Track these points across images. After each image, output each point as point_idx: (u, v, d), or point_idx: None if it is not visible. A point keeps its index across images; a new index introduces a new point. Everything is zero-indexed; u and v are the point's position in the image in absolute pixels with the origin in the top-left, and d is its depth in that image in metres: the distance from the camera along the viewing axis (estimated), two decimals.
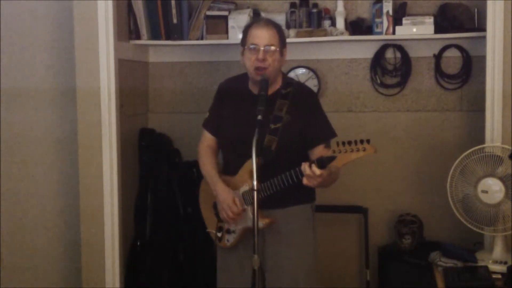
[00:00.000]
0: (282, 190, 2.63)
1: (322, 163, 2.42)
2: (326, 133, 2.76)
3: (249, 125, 2.51)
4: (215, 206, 2.90)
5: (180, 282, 3.76)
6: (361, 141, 2.38)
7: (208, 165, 2.87)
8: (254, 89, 2.76)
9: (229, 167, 2.85)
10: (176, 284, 3.75)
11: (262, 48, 2.67)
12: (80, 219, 3.52)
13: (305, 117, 2.74)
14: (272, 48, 2.68)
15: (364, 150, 2.38)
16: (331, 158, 2.41)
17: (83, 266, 3.55)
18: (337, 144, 2.41)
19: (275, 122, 2.69)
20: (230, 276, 2.90)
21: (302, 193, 2.79)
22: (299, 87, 2.87)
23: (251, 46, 2.69)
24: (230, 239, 2.86)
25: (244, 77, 2.85)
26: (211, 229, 2.93)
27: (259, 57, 2.66)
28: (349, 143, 2.39)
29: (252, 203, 2.36)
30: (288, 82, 2.84)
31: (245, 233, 2.80)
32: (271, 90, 2.74)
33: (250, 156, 2.46)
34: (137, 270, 3.71)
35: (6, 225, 3.82)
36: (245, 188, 2.74)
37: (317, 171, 2.40)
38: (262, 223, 2.62)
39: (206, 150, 2.91)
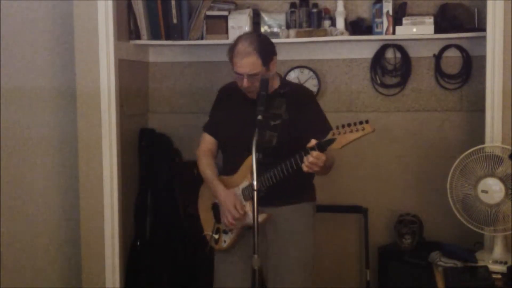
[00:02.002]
0: (283, 180, 2.67)
1: (322, 146, 2.52)
2: (324, 129, 2.82)
3: (245, 125, 2.61)
4: (213, 207, 2.92)
5: (180, 282, 3.76)
6: (360, 122, 2.49)
7: (207, 170, 2.92)
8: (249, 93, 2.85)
9: (228, 168, 2.90)
10: (176, 284, 3.75)
11: (245, 78, 2.73)
12: (80, 220, 3.53)
13: (303, 115, 2.80)
14: (255, 74, 2.72)
15: (363, 129, 2.48)
16: (330, 141, 2.52)
17: (83, 266, 3.55)
18: (336, 127, 2.52)
19: (275, 119, 2.73)
20: (228, 281, 2.92)
21: (304, 192, 2.91)
22: (297, 87, 2.95)
23: (236, 73, 2.75)
24: (226, 239, 2.88)
25: None
26: (208, 232, 2.94)
27: (244, 85, 2.74)
28: (348, 125, 2.51)
29: (252, 203, 2.37)
30: (286, 83, 2.93)
31: (242, 232, 2.82)
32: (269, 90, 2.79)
33: (249, 154, 2.56)
34: (137, 270, 3.71)
35: (6, 225, 3.81)
36: (245, 183, 2.79)
37: (315, 153, 2.51)
38: (260, 218, 2.62)
39: (205, 153, 2.97)
